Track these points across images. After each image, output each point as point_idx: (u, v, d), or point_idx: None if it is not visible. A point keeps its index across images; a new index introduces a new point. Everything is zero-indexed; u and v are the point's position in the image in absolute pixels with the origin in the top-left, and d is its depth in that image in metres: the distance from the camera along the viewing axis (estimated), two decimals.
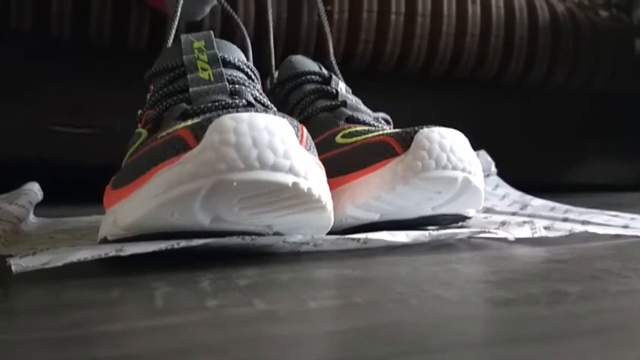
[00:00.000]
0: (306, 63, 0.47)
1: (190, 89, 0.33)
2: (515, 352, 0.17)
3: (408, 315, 0.20)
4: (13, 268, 0.25)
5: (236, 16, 0.44)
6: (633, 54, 0.88)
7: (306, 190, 0.26)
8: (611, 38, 0.90)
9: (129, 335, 0.18)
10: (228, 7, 0.44)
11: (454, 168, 0.34)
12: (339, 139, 0.39)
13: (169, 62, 0.35)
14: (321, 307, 0.21)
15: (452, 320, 0.20)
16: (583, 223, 0.44)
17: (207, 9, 0.61)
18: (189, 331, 0.18)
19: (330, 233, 0.32)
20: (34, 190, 0.52)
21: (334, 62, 0.50)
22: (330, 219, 0.30)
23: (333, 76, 0.46)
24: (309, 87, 0.44)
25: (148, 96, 0.36)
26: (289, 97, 0.45)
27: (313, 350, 0.17)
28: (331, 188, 0.31)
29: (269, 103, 0.34)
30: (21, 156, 0.69)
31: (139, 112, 0.36)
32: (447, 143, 0.34)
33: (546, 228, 0.39)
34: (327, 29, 0.51)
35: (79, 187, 0.61)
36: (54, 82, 0.69)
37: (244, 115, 0.26)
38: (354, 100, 0.44)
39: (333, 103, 0.43)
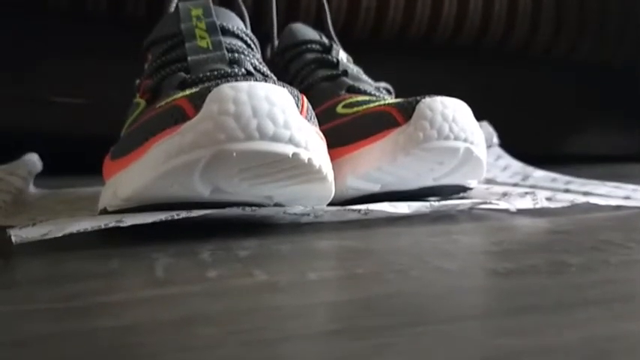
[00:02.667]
0: (306, 31, 0.46)
1: (189, 58, 0.32)
2: (516, 322, 0.17)
3: (409, 286, 0.20)
4: (13, 239, 0.25)
5: None
6: (638, 23, 0.87)
7: (306, 161, 0.26)
8: (615, 9, 0.89)
9: (129, 306, 0.18)
10: None
11: (456, 138, 0.34)
12: (340, 109, 0.39)
13: (167, 30, 0.35)
14: (322, 279, 0.21)
15: (453, 291, 0.20)
16: (585, 194, 0.43)
17: None
18: (189, 302, 0.18)
19: (330, 204, 0.32)
20: (34, 160, 0.52)
21: (333, 34, 0.49)
22: (330, 190, 0.30)
23: (334, 45, 0.45)
24: (310, 56, 0.44)
25: (146, 65, 0.35)
26: (289, 66, 0.44)
27: (313, 321, 0.17)
28: (332, 159, 0.30)
29: (269, 72, 0.34)
30: (20, 127, 0.69)
31: (137, 81, 0.35)
32: (450, 113, 0.34)
33: (548, 199, 0.38)
34: (325, 3, 0.49)
35: (78, 158, 0.61)
36: (52, 53, 0.68)
37: (244, 84, 0.25)
38: (355, 69, 0.44)
39: (334, 72, 0.42)
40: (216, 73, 0.31)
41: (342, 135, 0.37)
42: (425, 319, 0.17)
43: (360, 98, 0.39)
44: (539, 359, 0.14)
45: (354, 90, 0.41)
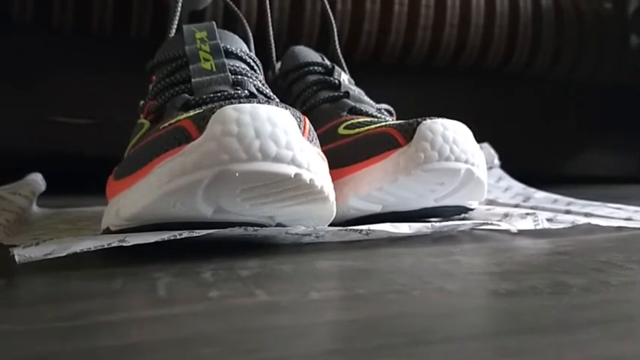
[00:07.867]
0: (308, 54, 0.46)
1: (192, 80, 0.33)
2: (517, 343, 0.17)
3: (410, 306, 0.20)
4: (17, 258, 0.25)
5: (235, 8, 0.43)
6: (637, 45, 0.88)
7: (308, 182, 0.26)
8: (614, 29, 0.90)
9: (131, 325, 0.18)
10: None
11: (457, 159, 0.34)
12: (341, 130, 0.39)
13: (171, 52, 0.35)
14: (323, 298, 0.21)
15: (454, 312, 0.20)
16: (586, 215, 0.43)
17: None
18: (191, 322, 0.18)
19: (332, 224, 0.32)
20: (37, 180, 0.52)
21: (339, 51, 0.49)
22: (332, 210, 0.30)
23: (336, 67, 0.46)
24: (312, 78, 0.44)
25: (151, 86, 0.36)
26: (292, 88, 0.45)
27: (315, 341, 0.17)
28: (334, 179, 0.30)
29: (271, 94, 0.34)
30: (23, 147, 0.69)
31: (142, 102, 0.36)
32: (450, 135, 0.34)
33: (549, 220, 0.39)
34: (331, 17, 0.50)
35: (81, 178, 0.61)
36: (56, 73, 0.69)
37: (247, 106, 0.25)
38: (356, 91, 0.44)
39: (336, 94, 0.43)
40: (219, 94, 0.31)
41: (344, 156, 0.37)
42: (426, 339, 0.17)
43: (362, 119, 0.40)
44: None
45: (355, 111, 0.41)
